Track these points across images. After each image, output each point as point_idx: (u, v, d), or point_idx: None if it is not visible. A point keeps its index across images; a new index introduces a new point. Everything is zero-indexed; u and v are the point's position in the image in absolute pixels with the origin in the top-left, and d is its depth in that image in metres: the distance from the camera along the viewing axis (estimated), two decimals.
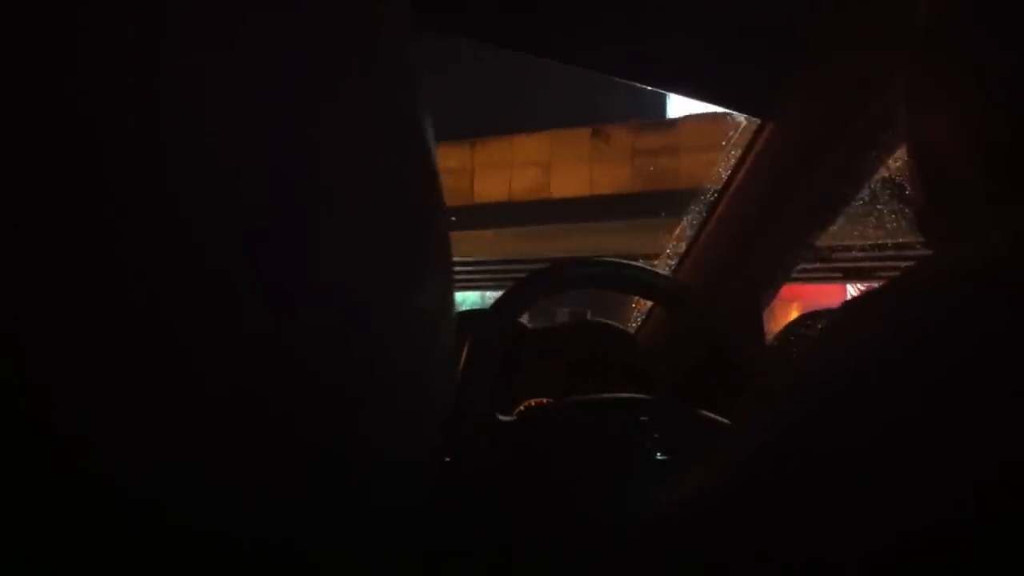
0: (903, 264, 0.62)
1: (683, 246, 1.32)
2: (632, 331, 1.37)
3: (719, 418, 0.89)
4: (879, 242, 1.38)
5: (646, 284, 1.06)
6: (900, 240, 1.31)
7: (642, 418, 0.90)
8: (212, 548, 0.23)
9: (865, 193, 1.14)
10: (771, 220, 1.17)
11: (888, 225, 1.24)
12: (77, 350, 0.20)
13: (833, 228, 1.20)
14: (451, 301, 0.31)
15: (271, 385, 0.23)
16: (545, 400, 1.05)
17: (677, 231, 1.37)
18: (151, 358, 0.21)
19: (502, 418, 0.88)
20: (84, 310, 0.20)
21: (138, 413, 0.21)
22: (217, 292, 0.22)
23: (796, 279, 1.39)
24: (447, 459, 0.80)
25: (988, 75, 0.44)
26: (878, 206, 1.18)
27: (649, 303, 1.37)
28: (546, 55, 0.98)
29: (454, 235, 0.30)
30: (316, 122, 0.25)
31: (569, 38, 0.97)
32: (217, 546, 0.23)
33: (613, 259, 1.00)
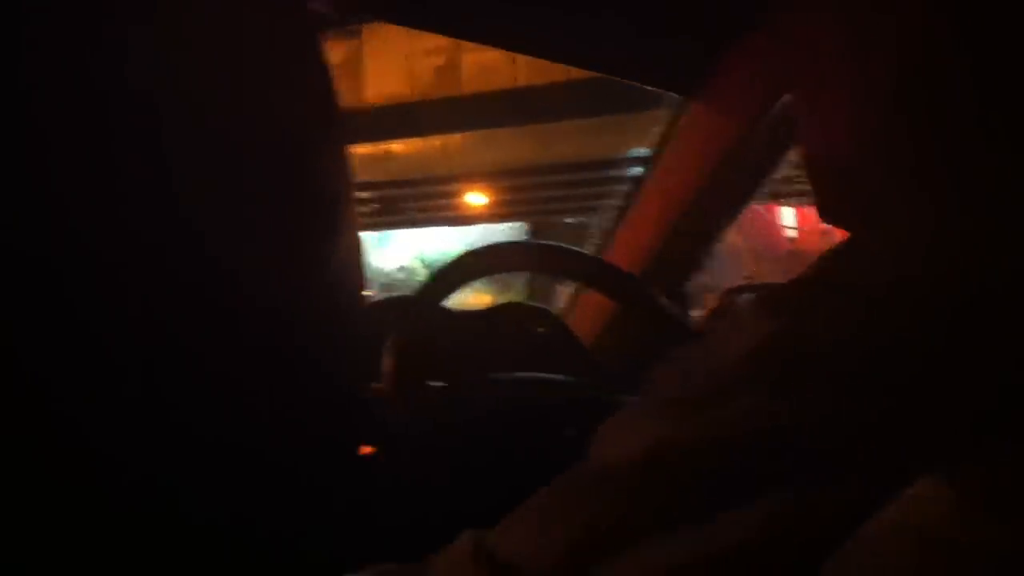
0: None
1: None
2: (559, 312, 1.36)
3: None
4: None
5: (575, 267, 1.05)
6: None
7: (564, 400, 0.89)
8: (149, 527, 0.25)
9: (789, 164, 1.16)
10: (697, 197, 1.18)
11: None
12: (67, 334, 0.21)
13: None
14: (359, 274, 0.33)
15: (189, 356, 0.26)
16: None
17: None
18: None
19: (432, 384, 0.87)
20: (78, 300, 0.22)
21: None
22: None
23: None
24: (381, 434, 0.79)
25: (882, 67, 0.44)
26: None
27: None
28: (469, 38, 0.98)
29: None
30: (231, 108, 0.27)
31: (492, 18, 0.96)
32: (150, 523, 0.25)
33: (542, 242, 0.99)
